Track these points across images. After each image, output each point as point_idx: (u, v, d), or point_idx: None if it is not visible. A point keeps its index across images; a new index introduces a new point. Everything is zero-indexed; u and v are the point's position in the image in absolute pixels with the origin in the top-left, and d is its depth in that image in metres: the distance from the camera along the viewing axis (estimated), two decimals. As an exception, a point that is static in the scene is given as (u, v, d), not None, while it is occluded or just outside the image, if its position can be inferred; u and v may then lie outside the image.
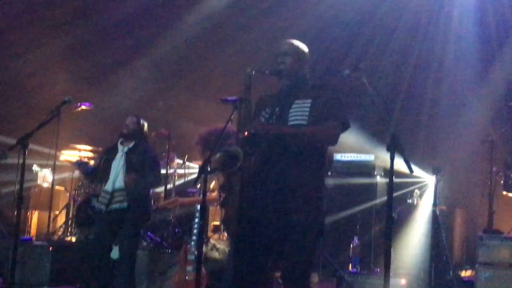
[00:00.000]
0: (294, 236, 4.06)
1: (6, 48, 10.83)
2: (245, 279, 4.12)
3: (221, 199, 5.50)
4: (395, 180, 7.70)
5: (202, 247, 4.60)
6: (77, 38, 11.21)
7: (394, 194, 8.67)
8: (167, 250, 7.90)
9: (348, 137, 8.07)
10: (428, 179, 7.98)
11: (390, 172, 4.06)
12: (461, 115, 9.60)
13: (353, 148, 8.92)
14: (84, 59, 11.53)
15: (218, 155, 4.05)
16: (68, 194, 10.04)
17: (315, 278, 8.37)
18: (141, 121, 7.14)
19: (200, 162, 7.38)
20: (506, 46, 9.71)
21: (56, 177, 9.59)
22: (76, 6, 11.31)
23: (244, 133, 3.98)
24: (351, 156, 9.02)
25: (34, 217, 10.66)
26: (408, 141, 9.34)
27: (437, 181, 7.17)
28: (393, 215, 8.83)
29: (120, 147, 7.06)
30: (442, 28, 10.18)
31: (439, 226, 7.21)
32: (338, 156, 8.82)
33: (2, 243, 8.92)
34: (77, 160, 7.45)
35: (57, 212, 10.15)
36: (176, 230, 8.96)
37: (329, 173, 8.50)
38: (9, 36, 10.86)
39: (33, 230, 10.50)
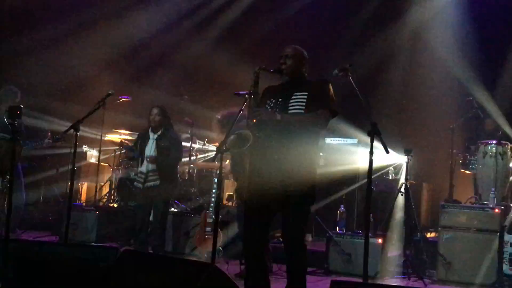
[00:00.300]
0: (292, 202, 4.09)
1: (65, 53, 10.83)
2: (252, 236, 4.21)
3: (234, 172, 5.55)
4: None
5: (218, 212, 4.63)
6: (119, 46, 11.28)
7: (374, 171, 8.81)
8: (190, 215, 7.90)
9: (337, 124, 8.15)
10: (401, 159, 7.95)
11: (370, 152, 4.11)
12: (428, 108, 9.57)
13: (340, 133, 8.93)
14: (126, 60, 11.49)
15: (232, 136, 4.06)
16: (110, 169, 10.06)
17: (309, 238, 8.43)
18: (164, 111, 7.13)
19: (216, 143, 7.44)
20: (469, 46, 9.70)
21: (101, 155, 9.69)
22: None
23: (253, 119, 4.04)
24: (338, 139, 8.99)
25: (84, 188, 10.73)
26: (385, 128, 9.31)
27: (408, 161, 7.17)
28: (372, 187, 8.87)
29: (151, 134, 7.07)
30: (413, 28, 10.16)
31: (408, 196, 7.20)
32: (327, 140, 8.78)
33: (58, 209, 9.07)
34: (127, 146, 7.47)
35: (102, 184, 10.17)
36: (198, 198, 9.05)
37: (321, 154, 8.51)
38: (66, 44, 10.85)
39: (83, 198, 10.56)
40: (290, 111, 4.18)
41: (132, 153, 7.21)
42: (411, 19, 10.17)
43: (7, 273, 3.43)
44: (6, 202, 5.77)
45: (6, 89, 7.18)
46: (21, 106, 3.72)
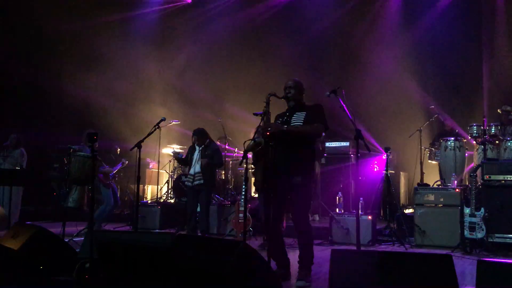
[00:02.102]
0: (297, 191, 4.13)
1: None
2: (269, 217, 4.20)
3: (253, 170, 5.56)
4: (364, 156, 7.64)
5: (246, 202, 4.64)
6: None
7: (363, 165, 8.73)
8: (228, 205, 7.91)
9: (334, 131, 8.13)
10: (382, 155, 7.88)
11: (356, 152, 4.09)
12: (401, 115, 9.46)
13: (337, 139, 8.90)
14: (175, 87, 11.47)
15: (250, 142, 4.16)
16: (167, 174, 10.12)
17: (316, 217, 8.37)
18: (201, 133, 7.14)
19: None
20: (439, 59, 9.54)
21: (160, 164, 9.77)
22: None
23: (266, 132, 4.07)
24: (335, 143, 8.95)
25: (148, 189, 10.85)
26: (369, 131, 9.31)
27: (387, 156, 7.10)
28: (359, 177, 8.80)
29: (197, 147, 7.14)
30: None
31: (389, 183, 7.12)
32: (327, 143, 8.74)
33: (131, 206, 9.16)
34: (174, 151, 7.51)
35: (161, 186, 10.22)
36: (233, 192, 9.06)
37: (325, 155, 8.46)
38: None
39: (148, 197, 10.65)
40: (292, 125, 4.28)
41: (177, 155, 7.21)
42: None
43: (93, 255, 3.46)
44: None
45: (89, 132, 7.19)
46: (97, 132, 3.76)
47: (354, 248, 5.06)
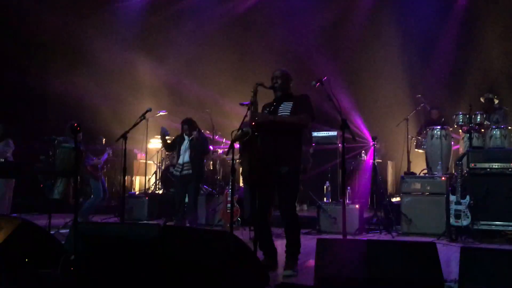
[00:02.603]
0: (284, 180, 4.12)
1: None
2: (255, 208, 4.20)
3: (240, 160, 5.53)
4: (352, 145, 7.67)
5: (234, 192, 4.62)
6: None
7: (350, 154, 8.77)
8: (216, 195, 7.89)
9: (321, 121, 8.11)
10: (370, 144, 7.91)
11: (342, 141, 4.08)
12: (388, 104, 9.48)
13: (324, 128, 8.91)
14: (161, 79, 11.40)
15: (238, 132, 4.14)
16: (155, 165, 10.07)
17: (304, 207, 8.41)
18: (191, 122, 7.11)
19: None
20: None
21: (147, 155, 9.71)
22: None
23: (252, 122, 4.05)
24: (322, 132, 8.96)
25: (136, 181, 10.81)
26: (356, 121, 9.35)
27: (375, 145, 7.14)
28: (351, 167, 8.84)
29: (185, 137, 7.10)
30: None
31: (376, 172, 7.16)
32: (314, 133, 8.75)
33: (118, 197, 9.09)
34: (162, 127, 7.41)
35: (149, 176, 10.17)
36: (221, 183, 9.03)
37: (313, 144, 8.46)
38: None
39: (136, 188, 10.63)
40: (279, 114, 4.24)
41: (164, 132, 7.13)
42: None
43: (78, 246, 3.43)
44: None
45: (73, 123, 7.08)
46: (79, 123, 3.70)
47: (340, 237, 5.11)
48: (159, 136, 7.39)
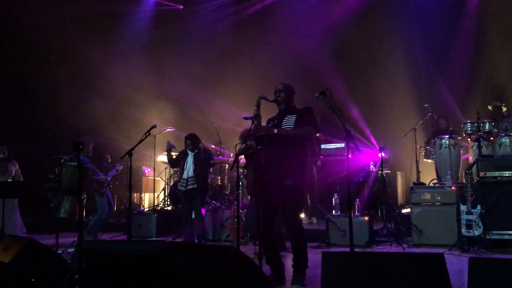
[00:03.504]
0: (288, 193, 4.07)
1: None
2: (260, 221, 4.14)
3: (245, 173, 5.50)
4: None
5: (239, 207, 4.59)
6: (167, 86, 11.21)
7: (359, 165, 8.69)
8: (224, 210, 7.85)
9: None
10: (378, 155, 7.84)
11: (346, 153, 4.04)
12: (396, 114, 9.44)
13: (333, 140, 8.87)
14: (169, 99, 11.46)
15: (242, 145, 4.12)
16: (163, 181, 10.07)
17: (314, 220, 8.33)
18: (193, 138, 7.13)
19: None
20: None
21: (156, 172, 9.70)
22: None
23: (255, 135, 4.04)
24: (330, 145, 8.91)
25: (146, 197, 10.78)
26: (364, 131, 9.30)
27: (382, 156, 7.08)
28: (359, 179, 8.76)
29: (189, 152, 7.12)
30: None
31: (385, 183, 7.08)
32: (323, 146, 8.71)
33: (126, 214, 9.04)
34: (168, 142, 7.43)
35: (158, 193, 10.16)
36: (230, 197, 8.99)
37: (321, 156, 8.41)
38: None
39: (146, 204, 10.60)
40: (283, 127, 4.22)
41: (169, 147, 7.14)
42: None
43: (82, 265, 3.41)
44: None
45: (83, 139, 7.12)
46: (83, 142, 3.70)
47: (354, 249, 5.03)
48: (166, 144, 7.43)
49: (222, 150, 9.21)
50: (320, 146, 8.32)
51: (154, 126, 5.56)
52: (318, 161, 8.29)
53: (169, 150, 7.21)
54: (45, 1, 9.72)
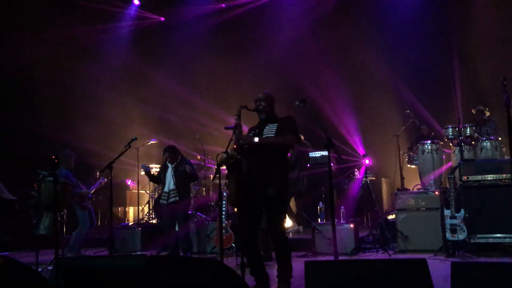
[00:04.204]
0: (271, 203, 4.05)
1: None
2: (244, 230, 4.12)
3: (226, 183, 5.45)
4: (345, 165, 7.58)
5: (222, 219, 4.53)
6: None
7: (344, 173, 8.70)
8: (209, 222, 7.76)
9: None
10: (361, 162, 7.87)
11: (328, 160, 4.03)
12: (378, 121, 9.49)
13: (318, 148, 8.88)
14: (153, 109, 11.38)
15: (223, 155, 4.08)
16: (148, 194, 9.97)
17: (300, 229, 8.28)
18: (173, 150, 7.04)
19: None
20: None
21: (139, 185, 9.59)
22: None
23: (235, 145, 4.01)
24: (316, 153, 8.90)
25: (130, 211, 10.65)
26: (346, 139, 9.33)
27: (366, 163, 7.10)
28: (344, 186, 8.76)
29: (169, 164, 7.03)
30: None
31: (370, 189, 7.08)
32: (310, 154, 8.71)
33: (107, 229, 8.89)
34: (143, 165, 7.36)
35: (142, 206, 10.03)
36: (214, 209, 8.91)
37: (308, 165, 8.38)
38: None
39: (130, 218, 10.47)
40: (264, 136, 4.20)
41: (146, 169, 7.07)
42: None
43: (60, 282, 3.32)
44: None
45: (64, 153, 7.05)
46: (58, 157, 3.62)
47: (338, 258, 5.00)
48: (142, 168, 7.33)
49: (206, 163, 9.16)
50: (306, 159, 8.28)
51: (135, 139, 5.50)
52: (305, 171, 8.24)
53: (147, 173, 7.12)
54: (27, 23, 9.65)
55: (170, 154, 6.97)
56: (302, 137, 7.69)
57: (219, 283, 3.13)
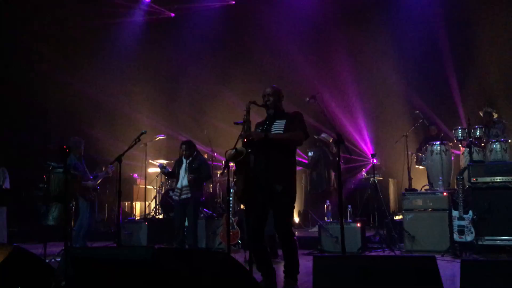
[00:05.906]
0: (278, 199, 4.04)
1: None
2: (251, 226, 4.11)
3: (234, 179, 5.44)
4: (352, 165, 7.57)
5: (229, 215, 4.54)
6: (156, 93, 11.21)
7: (352, 172, 8.69)
8: (216, 218, 7.77)
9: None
10: (368, 162, 7.85)
11: (337, 156, 4.01)
12: (387, 122, 9.46)
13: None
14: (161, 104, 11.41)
15: (232, 151, 4.07)
16: (155, 190, 9.98)
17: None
18: (190, 144, 7.07)
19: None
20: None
21: (147, 180, 9.63)
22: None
23: (244, 140, 4.00)
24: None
25: (137, 205, 10.69)
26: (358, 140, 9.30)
27: (373, 162, 7.07)
28: (352, 185, 8.74)
29: (184, 160, 7.05)
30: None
31: (377, 189, 7.06)
32: (310, 153, 8.66)
33: (114, 223, 8.95)
34: (160, 164, 7.39)
35: (149, 201, 10.06)
36: (221, 206, 8.90)
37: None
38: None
39: (137, 213, 10.50)
40: (272, 132, 4.18)
41: (163, 169, 7.11)
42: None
43: (69, 271, 3.35)
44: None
45: (73, 140, 7.03)
46: (69, 146, 3.63)
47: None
48: (158, 166, 7.36)
49: (214, 156, 9.17)
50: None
51: (144, 132, 5.50)
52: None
53: (164, 172, 7.16)
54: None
55: (187, 147, 6.99)
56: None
57: (227, 276, 3.14)
